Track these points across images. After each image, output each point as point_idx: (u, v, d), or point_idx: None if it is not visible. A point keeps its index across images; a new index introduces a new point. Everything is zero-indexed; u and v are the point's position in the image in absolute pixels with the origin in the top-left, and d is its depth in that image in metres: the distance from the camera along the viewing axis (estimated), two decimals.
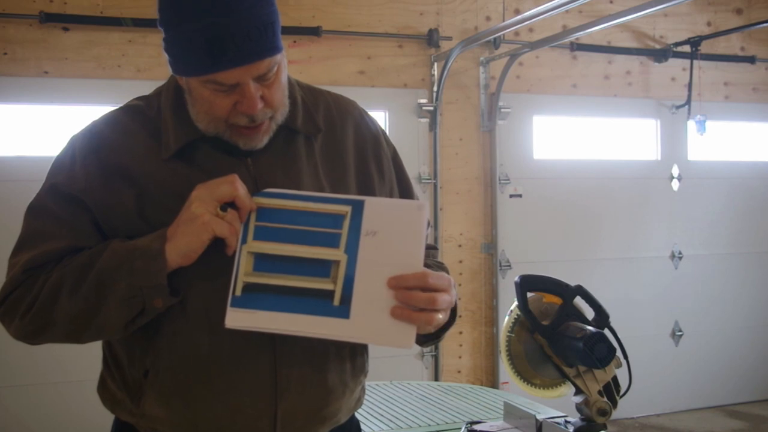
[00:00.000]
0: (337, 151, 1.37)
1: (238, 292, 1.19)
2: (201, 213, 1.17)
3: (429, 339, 1.35)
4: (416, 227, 1.22)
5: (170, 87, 1.32)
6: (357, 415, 1.50)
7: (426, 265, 1.25)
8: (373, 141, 1.42)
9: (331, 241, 1.21)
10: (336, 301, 1.19)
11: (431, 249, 1.48)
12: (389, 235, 1.21)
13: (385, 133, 1.48)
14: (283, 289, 1.20)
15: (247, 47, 1.15)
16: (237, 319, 1.19)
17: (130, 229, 1.24)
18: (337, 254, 1.20)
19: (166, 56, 1.22)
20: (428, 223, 1.51)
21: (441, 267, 1.40)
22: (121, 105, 1.36)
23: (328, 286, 1.20)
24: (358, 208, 1.22)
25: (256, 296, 1.19)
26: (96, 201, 1.26)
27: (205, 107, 1.22)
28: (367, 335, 1.20)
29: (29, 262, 1.24)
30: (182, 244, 1.18)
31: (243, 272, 1.20)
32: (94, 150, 1.28)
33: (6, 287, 1.26)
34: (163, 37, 1.20)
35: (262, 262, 1.20)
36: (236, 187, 1.19)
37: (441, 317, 1.21)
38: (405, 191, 1.47)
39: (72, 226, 1.25)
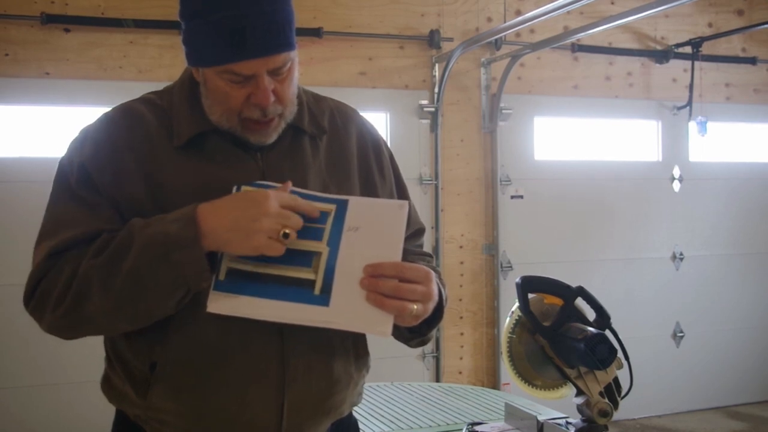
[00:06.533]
0: (341, 153, 1.42)
1: (222, 276, 1.22)
2: (260, 235, 1.16)
3: (414, 335, 1.38)
4: (397, 224, 1.27)
5: (184, 81, 1.36)
6: (358, 416, 1.51)
7: (412, 262, 1.29)
8: (374, 145, 1.48)
9: (315, 235, 1.25)
10: (317, 290, 1.23)
11: (426, 255, 1.52)
12: (371, 231, 1.25)
13: (383, 139, 1.54)
14: (265, 276, 1.23)
15: (266, 40, 1.20)
16: (219, 302, 1.21)
17: (141, 215, 1.24)
18: (320, 246, 1.24)
19: (184, 48, 1.26)
20: (422, 230, 1.54)
21: (433, 269, 1.41)
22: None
23: (310, 276, 1.23)
24: (342, 206, 1.27)
25: (238, 281, 1.22)
26: (106, 187, 1.27)
27: (220, 98, 1.26)
28: (345, 322, 1.23)
29: (52, 249, 1.23)
30: (225, 245, 1.18)
31: (227, 257, 1.23)
32: (107, 135, 1.30)
33: (31, 279, 1.25)
34: (182, 28, 1.24)
35: None
36: (299, 206, 1.21)
37: (416, 308, 1.23)
38: (401, 194, 1.52)
39: (91, 208, 1.25)
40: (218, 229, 1.17)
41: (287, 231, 1.18)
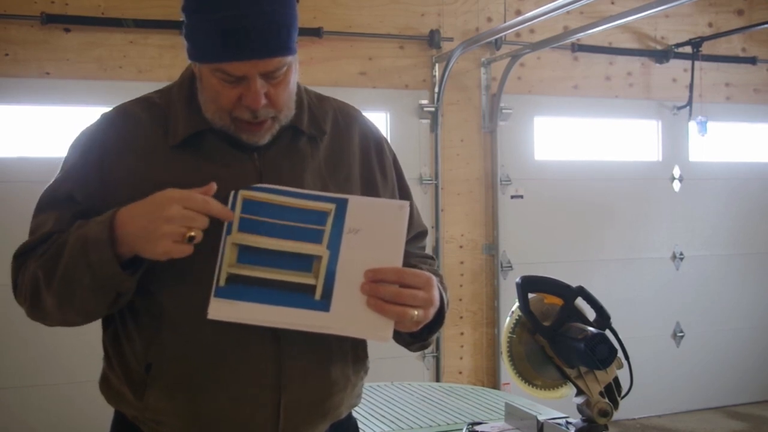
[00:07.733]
0: (342, 154, 1.41)
1: (222, 283, 1.22)
2: (164, 241, 1.16)
3: (415, 339, 1.37)
4: (397, 226, 1.25)
5: (184, 80, 1.36)
6: (358, 416, 1.51)
7: (414, 266, 1.29)
8: (376, 146, 1.47)
9: (315, 237, 1.24)
10: (317, 296, 1.22)
11: (428, 258, 1.52)
12: (371, 233, 1.24)
13: (386, 140, 1.52)
14: (266, 281, 1.22)
15: (260, 43, 1.19)
16: (219, 309, 1.21)
17: None
18: (320, 249, 1.23)
19: (185, 42, 1.26)
20: (425, 233, 1.54)
21: (435, 272, 1.41)
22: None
23: (310, 281, 1.23)
24: (342, 206, 1.25)
25: (239, 287, 1.22)
26: (90, 191, 1.28)
27: (212, 96, 1.26)
28: (346, 327, 1.23)
29: (19, 248, 1.29)
30: (139, 251, 1.19)
31: (227, 263, 1.22)
32: (102, 136, 1.31)
33: (12, 275, 1.31)
34: (184, 22, 1.24)
35: (246, 254, 1.23)
36: (211, 209, 1.19)
37: (417, 314, 1.23)
38: (404, 195, 1.51)
39: (66, 209, 1.28)
40: (129, 236, 1.18)
41: (192, 234, 1.17)
